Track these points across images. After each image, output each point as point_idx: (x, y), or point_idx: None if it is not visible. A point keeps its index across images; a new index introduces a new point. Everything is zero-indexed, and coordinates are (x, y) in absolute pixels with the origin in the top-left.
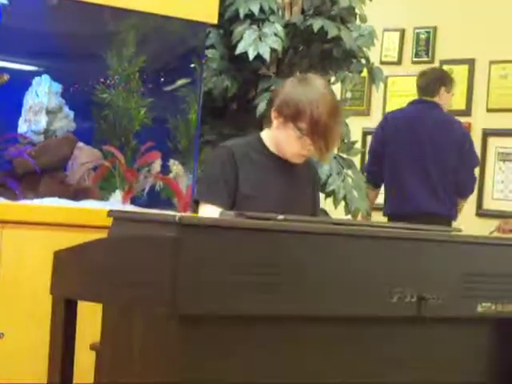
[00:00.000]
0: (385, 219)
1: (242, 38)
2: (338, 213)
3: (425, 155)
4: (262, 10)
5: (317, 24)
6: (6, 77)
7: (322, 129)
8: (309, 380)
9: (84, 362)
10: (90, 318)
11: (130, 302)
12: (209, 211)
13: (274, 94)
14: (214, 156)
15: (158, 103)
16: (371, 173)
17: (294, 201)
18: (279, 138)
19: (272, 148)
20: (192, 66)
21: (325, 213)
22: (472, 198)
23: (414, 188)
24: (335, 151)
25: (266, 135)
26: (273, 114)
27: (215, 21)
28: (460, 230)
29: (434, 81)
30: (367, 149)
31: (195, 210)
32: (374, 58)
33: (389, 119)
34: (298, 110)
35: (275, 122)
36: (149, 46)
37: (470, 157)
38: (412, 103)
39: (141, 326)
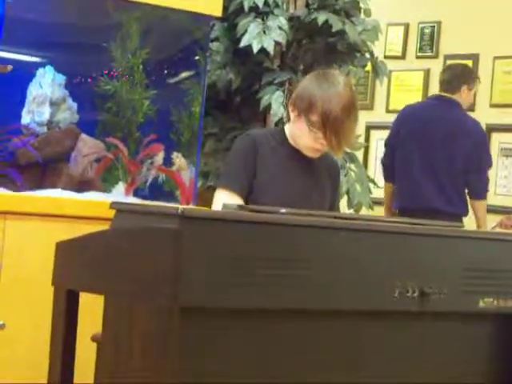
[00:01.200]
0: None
1: (246, 31)
2: (340, 207)
3: (435, 152)
4: (266, 3)
5: (321, 17)
6: (9, 67)
7: (333, 123)
8: (309, 374)
9: (85, 354)
10: (91, 309)
11: (131, 294)
12: (222, 197)
13: (293, 87)
14: (236, 145)
15: (161, 95)
16: (385, 166)
17: (309, 195)
18: (294, 131)
19: (292, 141)
20: (196, 58)
21: None
22: None
23: (423, 184)
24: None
25: (287, 129)
26: (289, 108)
27: (220, 13)
28: (462, 226)
29: (457, 77)
30: (373, 142)
31: (198, 203)
32: (378, 53)
33: (406, 112)
34: (311, 103)
35: (291, 116)
36: (153, 38)
37: (482, 158)
38: (432, 98)
39: (142, 318)
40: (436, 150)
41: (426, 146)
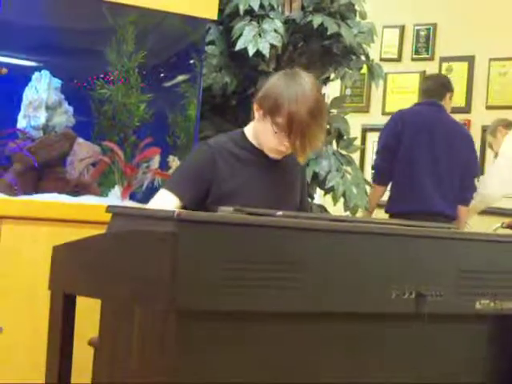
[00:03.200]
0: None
1: (241, 34)
2: (336, 209)
3: (440, 156)
4: (261, 6)
5: (316, 20)
6: (3, 70)
7: (298, 126)
8: (305, 376)
9: (82, 358)
10: (88, 313)
11: (128, 298)
12: (160, 196)
13: (259, 86)
14: (194, 153)
15: (157, 99)
16: (383, 169)
17: (279, 196)
18: (259, 130)
19: (254, 142)
20: (192, 61)
21: (323, 209)
22: None
23: (429, 189)
24: (334, 147)
25: (248, 130)
26: (254, 106)
27: (215, 17)
28: (458, 228)
29: (442, 86)
30: (369, 145)
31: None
32: (374, 55)
33: (407, 116)
34: (277, 104)
35: (256, 115)
36: (149, 41)
37: (476, 164)
38: (426, 104)
39: (139, 322)
40: (440, 154)
41: (432, 150)
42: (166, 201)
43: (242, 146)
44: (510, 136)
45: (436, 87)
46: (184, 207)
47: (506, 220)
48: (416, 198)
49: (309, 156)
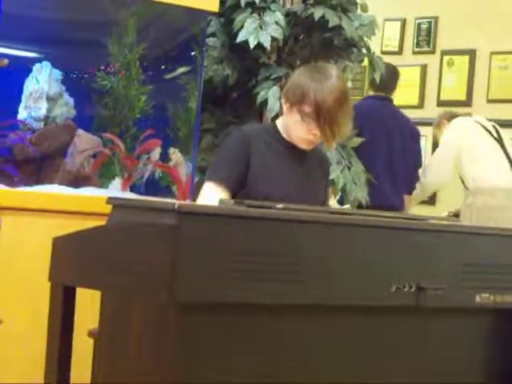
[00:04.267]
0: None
1: (242, 26)
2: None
3: (395, 153)
4: None
5: (318, 13)
6: (5, 61)
7: (326, 113)
8: (306, 369)
9: (82, 349)
10: (88, 304)
11: (128, 290)
12: (207, 189)
13: (286, 80)
14: (228, 139)
15: (158, 91)
16: None
17: (306, 188)
18: (287, 123)
19: (285, 135)
20: (193, 54)
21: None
22: None
23: (387, 185)
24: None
25: (280, 122)
26: (282, 100)
27: (216, 9)
28: (459, 220)
29: (393, 77)
30: None
31: (195, 198)
32: (375, 48)
33: (363, 111)
34: (303, 94)
35: (284, 108)
36: (150, 33)
37: (420, 156)
38: (379, 98)
39: (139, 314)
40: (396, 150)
41: (388, 146)
42: (214, 195)
43: (273, 136)
44: (449, 126)
45: (389, 80)
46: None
47: (452, 209)
48: (375, 194)
49: (337, 142)
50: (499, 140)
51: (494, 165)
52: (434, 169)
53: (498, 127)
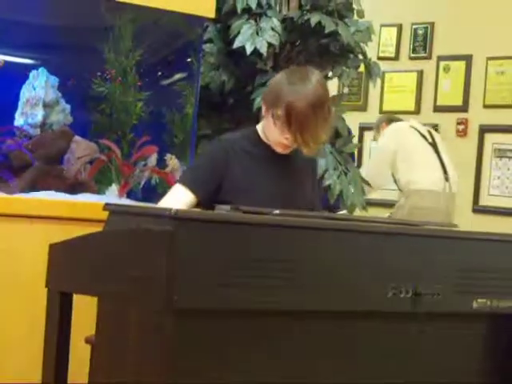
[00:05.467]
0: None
1: (239, 32)
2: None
3: None
4: (259, 4)
5: (314, 19)
6: (1, 61)
7: (297, 118)
8: (302, 374)
9: (79, 356)
10: (85, 311)
11: (125, 296)
12: (174, 192)
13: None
14: (208, 149)
15: (154, 97)
16: None
17: (291, 193)
18: (264, 126)
19: (264, 139)
20: (189, 60)
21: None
22: (468, 194)
23: None
24: (329, 145)
25: (259, 127)
26: (262, 103)
27: (212, 15)
28: (456, 226)
29: None
30: (367, 143)
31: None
32: (372, 54)
33: None
34: (277, 97)
35: (262, 110)
36: (146, 39)
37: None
38: None
39: (136, 320)
40: None
41: None
42: (181, 196)
43: (253, 143)
44: (385, 132)
45: None
46: (199, 203)
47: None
48: None
49: (314, 149)
50: (433, 145)
51: (426, 168)
52: (371, 173)
53: (433, 132)
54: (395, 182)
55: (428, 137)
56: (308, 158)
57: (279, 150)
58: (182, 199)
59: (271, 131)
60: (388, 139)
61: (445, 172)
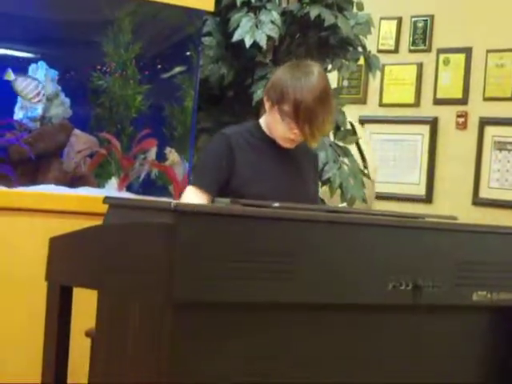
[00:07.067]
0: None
1: (238, 25)
2: (333, 201)
3: None
4: None
5: (314, 12)
6: None
7: (305, 112)
8: (303, 367)
9: (79, 349)
10: (85, 304)
11: (125, 289)
12: (189, 194)
13: (269, 79)
14: (211, 144)
15: (154, 90)
16: None
17: (293, 186)
18: (269, 121)
19: (268, 133)
20: (189, 53)
21: (320, 200)
22: (468, 187)
23: None
24: (331, 138)
25: (263, 121)
26: (264, 98)
27: (212, 8)
28: (455, 219)
29: None
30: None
31: None
32: (371, 47)
33: None
34: (282, 93)
35: (266, 106)
36: (145, 33)
37: None
38: None
39: (136, 313)
40: None
41: None
42: (195, 198)
43: (256, 136)
44: None
45: None
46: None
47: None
48: None
49: (319, 140)
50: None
51: None
52: None
53: (354, 124)
54: None
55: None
56: (310, 153)
57: (286, 145)
58: (197, 201)
59: (278, 127)
60: None
61: (363, 160)
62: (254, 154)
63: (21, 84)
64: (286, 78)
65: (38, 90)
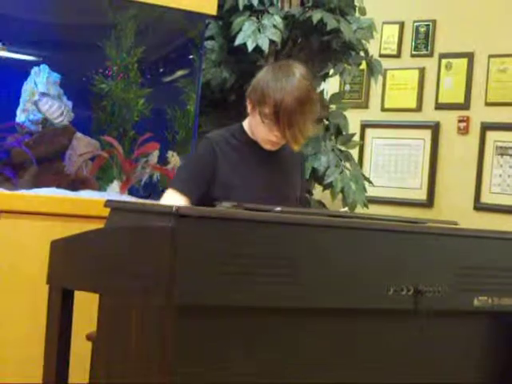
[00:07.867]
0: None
1: (240, 29)
2: (335, 205)
3: None
4: (261, 1)
5: (316, 16)
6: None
7: (285, 114)
8: (301, 371)
9: (80, 352)
10: (86, 307)
11: (127, 293)
12: (168, 197)
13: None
14: (197, 148)
15: (156, 94)
16: None
17: (278, 187)
18: (251, 123)
19: (251, 135)
20: (191, 57)
21: (322, 205)
22: (470, 192)
23: None
24: (334, 143)
25: (246, 123)
26: (247, 100)
27: (214, 12)
28: (456, 224)
29: None
30: (368, 141)
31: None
32: (373, 51)
33: None
34: (263, 95)
35: (248, 108)
36: (148, 36)
37: None
38: None
39: (138, 317)
40: None
41: None
42: (174, 201)
43: (239, 139)
44: None
45: None
46: (193, 204)
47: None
48: None
49: (302, 143)
50: None
51: None
52: None
53: None
54: None
55: None
56: (296, 154)
57: (267, 147)
58: (176, 203)
59: (259, 129)
60: None
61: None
62: (238, 158)
63: (45, 104)
64: (267, 79)
65: (61, 110)
